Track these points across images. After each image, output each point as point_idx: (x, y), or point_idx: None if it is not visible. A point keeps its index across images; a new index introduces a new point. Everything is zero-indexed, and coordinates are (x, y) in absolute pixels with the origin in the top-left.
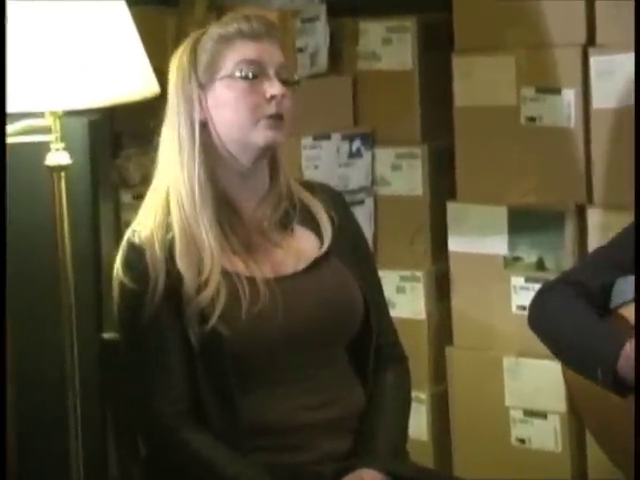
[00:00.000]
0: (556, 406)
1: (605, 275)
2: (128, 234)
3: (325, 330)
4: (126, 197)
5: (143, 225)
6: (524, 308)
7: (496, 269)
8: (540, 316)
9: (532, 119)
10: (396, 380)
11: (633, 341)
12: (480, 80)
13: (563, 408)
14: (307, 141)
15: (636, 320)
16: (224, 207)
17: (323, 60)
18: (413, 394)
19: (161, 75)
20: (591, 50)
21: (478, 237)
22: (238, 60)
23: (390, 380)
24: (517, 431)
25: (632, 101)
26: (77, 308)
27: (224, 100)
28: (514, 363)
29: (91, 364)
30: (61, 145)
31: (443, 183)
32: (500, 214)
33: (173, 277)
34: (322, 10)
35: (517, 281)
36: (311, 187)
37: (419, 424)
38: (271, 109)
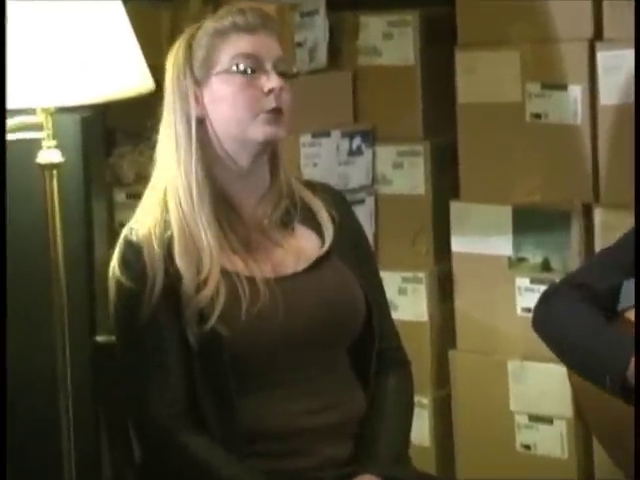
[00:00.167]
0: (562, 411)
1: (611, 277)
2: (125, 232)
3: (326, 331)
4: (120, 196)
5: (141, 223)
6: (529, 310)
7: (500, 270)
8: (545, 320)
9: (537, 116)
10: (398, 385)
11: None
12: (484, 76)
13: (569, 413)
14: (306, 138)
15: (636, 320)
16: (223, 205)
17: (322, 55)
18: (415, 399)
19: (156, 71)
20: (598, 45)
21: (482, 237)
22: (234, 54)
23: (392, 385)
24: (522, 437)
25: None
26: (69, 309)
27: (221, 96)
28: (519, 367)
29: (83, 366)
30: (53, 142)
31: (446, 182)
32: (504, 213)
33: (171, 276)
34: (321, 3)
35: (522, 282)
36: (312, 186)
37: (421, 429)
38: (270, 103)
